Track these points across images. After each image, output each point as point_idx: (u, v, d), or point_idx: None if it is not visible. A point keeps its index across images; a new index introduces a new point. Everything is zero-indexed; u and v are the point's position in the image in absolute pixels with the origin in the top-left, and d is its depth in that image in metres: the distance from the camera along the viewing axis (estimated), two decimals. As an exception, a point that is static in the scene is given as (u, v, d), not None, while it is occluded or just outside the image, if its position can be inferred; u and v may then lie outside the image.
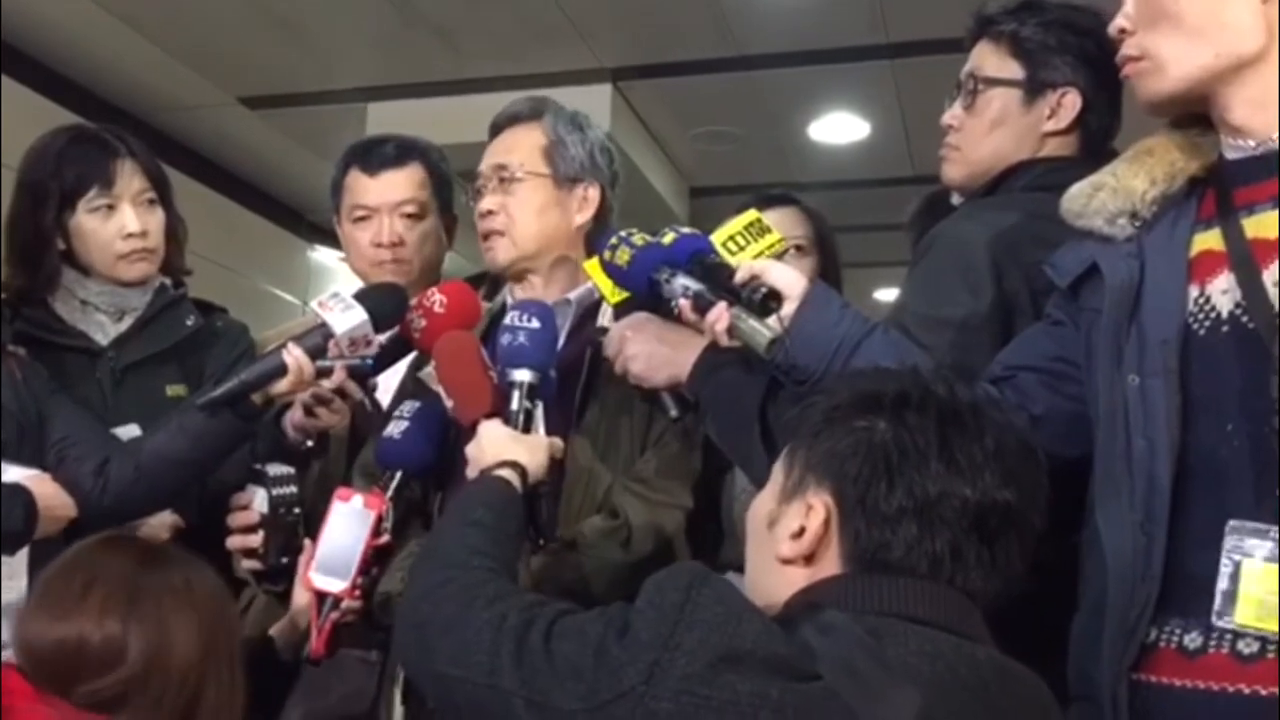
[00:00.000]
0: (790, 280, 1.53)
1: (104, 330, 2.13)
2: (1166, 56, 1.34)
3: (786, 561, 1.18)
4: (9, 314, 2.07)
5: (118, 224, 2.07)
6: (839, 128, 5.60)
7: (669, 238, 1.65)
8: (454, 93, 5.09)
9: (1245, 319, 1.27)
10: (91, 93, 5.16)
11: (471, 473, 1.58)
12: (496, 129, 1.97)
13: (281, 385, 1.81)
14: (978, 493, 1.14)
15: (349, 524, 1.74)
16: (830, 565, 1.17)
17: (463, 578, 1.24)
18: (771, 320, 1.50)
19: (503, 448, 1.56)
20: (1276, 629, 1.20)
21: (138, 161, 2.12)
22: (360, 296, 1.84)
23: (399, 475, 1.79)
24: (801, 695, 1.01)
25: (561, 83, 4.70)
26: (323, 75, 5.15)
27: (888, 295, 7.07)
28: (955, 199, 1.87)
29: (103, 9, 4.54)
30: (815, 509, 1.17)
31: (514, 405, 1.64)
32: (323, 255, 7.00)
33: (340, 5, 4.51)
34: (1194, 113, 1.40)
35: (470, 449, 1.60)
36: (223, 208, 5.85)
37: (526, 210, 1.88)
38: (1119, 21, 1.40)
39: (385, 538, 1.75)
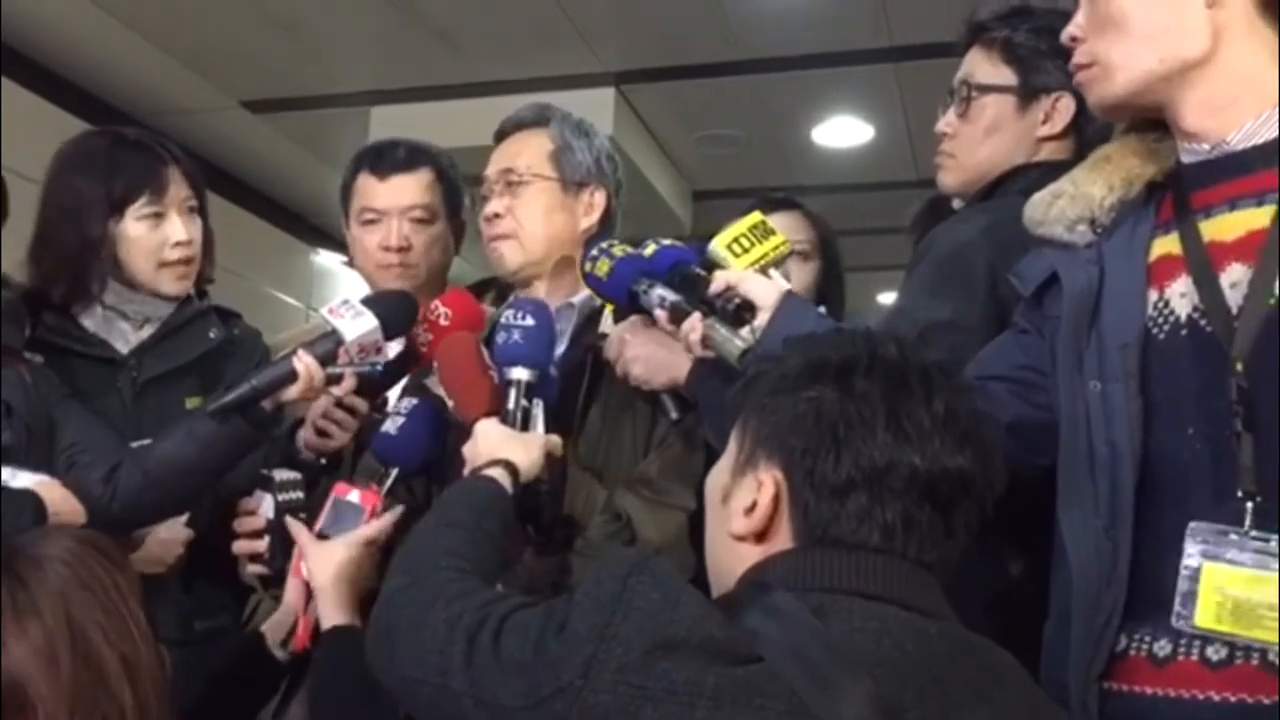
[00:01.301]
0: (764, 291, 1.55)
1: (125, 339, 2.11)
2: (1114, 62, 1.35)
3: (739, 538, 1.16)
4: (29, 319, 2.05)
5: (164, 233, 2.05)
6: (842, 131, 5.60)
7: (650, 249, 1.67)
8: (457, 96, 5.09)
9: (1203, 322, 1.28)
10: (94, 96, 5.18)
11: (467, 473, 1.58)
12: (501, 135, 1.98)
13: (291, 392, 1.79)
14: (927, 461, 1.10)
15: (343, 517, 1.76)
16: (782, 541, 1.14)
17: (428, 579, 1.23)
18: (744, 331, 1.51)
19: (496, 446, 1.57)
20: (1238, 632, 1.19)
21: (181, 168, 2.10)
22: (370, 303, 1.83)
23: (395, 472, 1.80)
24: (739, 680, 0.99)
25: (564, 86, 4.71)
26: (325, 79, 5.16)
27: (891, 299, 7.06)
28: (956, 203, 1.87)
29: (105, 12, 4.55)
30: (765, 484, 1.14)
31: (510, 404, 1.65)
32: (325, 259, 7.01)
33: (343, 9, 4.52)
34: (1152, 118, 1.40)
35: (466, 449, 1.61)
36: (225, 211, 5.85)
37: (533, 213, 1.89)
38: (1070, 30, 1.41)
39: None
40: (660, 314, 1.60)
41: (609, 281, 1.67)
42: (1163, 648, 1.25)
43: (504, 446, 1.57)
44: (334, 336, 1.79)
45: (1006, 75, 1.75)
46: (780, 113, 5.41)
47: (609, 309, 1.84)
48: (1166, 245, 1.34)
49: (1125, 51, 1.34)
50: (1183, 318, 1.30)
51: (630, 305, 1.67)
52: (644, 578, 1.06)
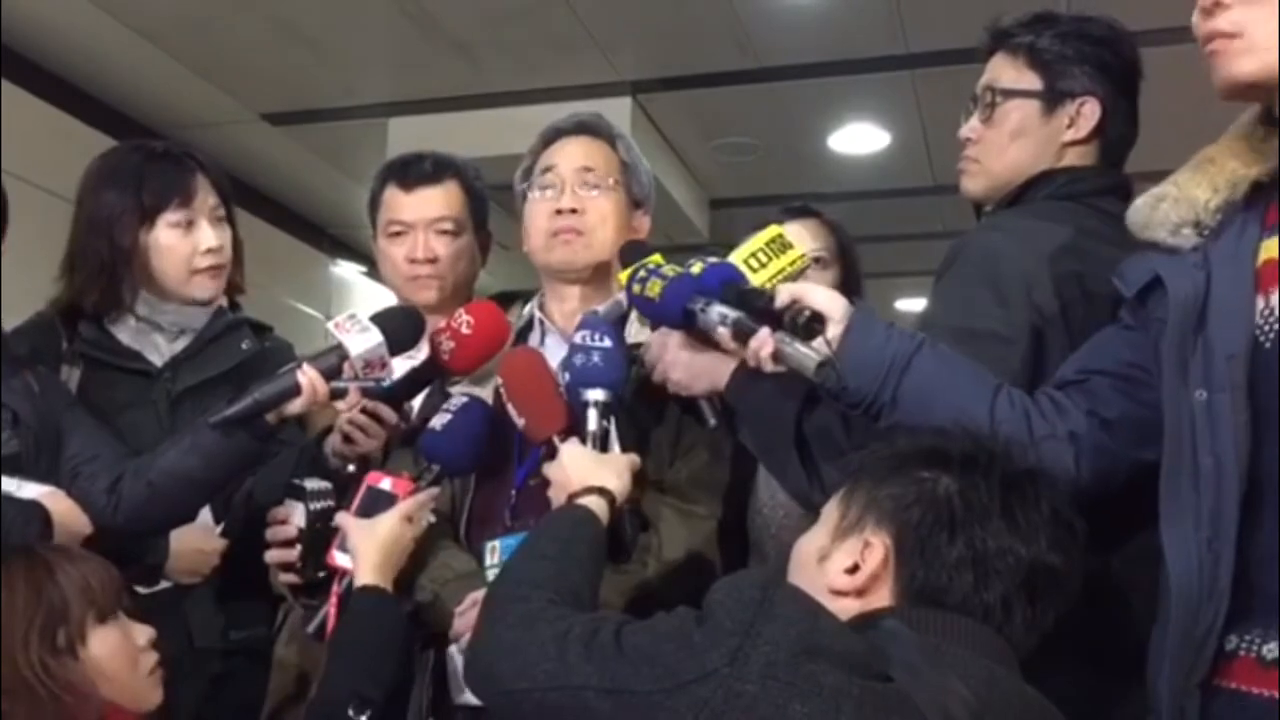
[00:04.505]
0: (833, 303, 1.51)
1: (159, 350, 2.14)
2: (1259, 40, 1.29)
3: (839, 593, 1.23)
4: (65, 332, 2.08)
5: (195, 240, 2.09)
6: (859, 138, 5.59)
7: (697, 267, 1.64)
8: (474, 107, 5.12)
9: None
10: (115, 109, 5.21)
11: (556, 496, 1.58)
12: (562, 132, 1.98)
13: (295, 405, 1.81)
14: (1031, 553, 1.21)
15: (374, 506, 1.77)
16: (882, 600, 1.22)
17: (521, 608, 1.26)
18: (817, 343, 1.48)
19: (589, 473, 1.57)
20: None
21: (209, 177, 2.13)
22: (377, 319, 1.84)
23: (436, 468, 1.81)
24: (879, 694, 1.05)
25: (581, 96, 4.72)
26: (344, 91, 5.18)
27: (909, 305, 7.06)
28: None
29: (126, 26, 4.58)
30: (873, 547, 1.23)
31: (591, 425, 1.65)
32: (345, 270, 7.04)
33: (361, 22, 4.54)
34: (1261, 115, 1.36)
35: (553, 472, 1.61)
36: (245, 223, 5.80)
37: (609, 220, 1.90)
38: None
39: None
40: (723, 331, 1.56)
41: (661, 302, 1.62)
42: (1272, 650, 1.24)
43: (596, 472, 1.57)
44: (339, 351, 1.80)
45: (1031, 80, 1.74)
46: (797, 120, 5.41)
47: (635, 315, 1.85)
48: (1271, 249, 1.30)
49: (1274, 32, 1.27)
50: None
51: (686, 324, 1.63)
52: (781, 591, 1.13)
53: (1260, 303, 1.29)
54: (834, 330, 1.49)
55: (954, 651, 1.13)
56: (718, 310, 1.57)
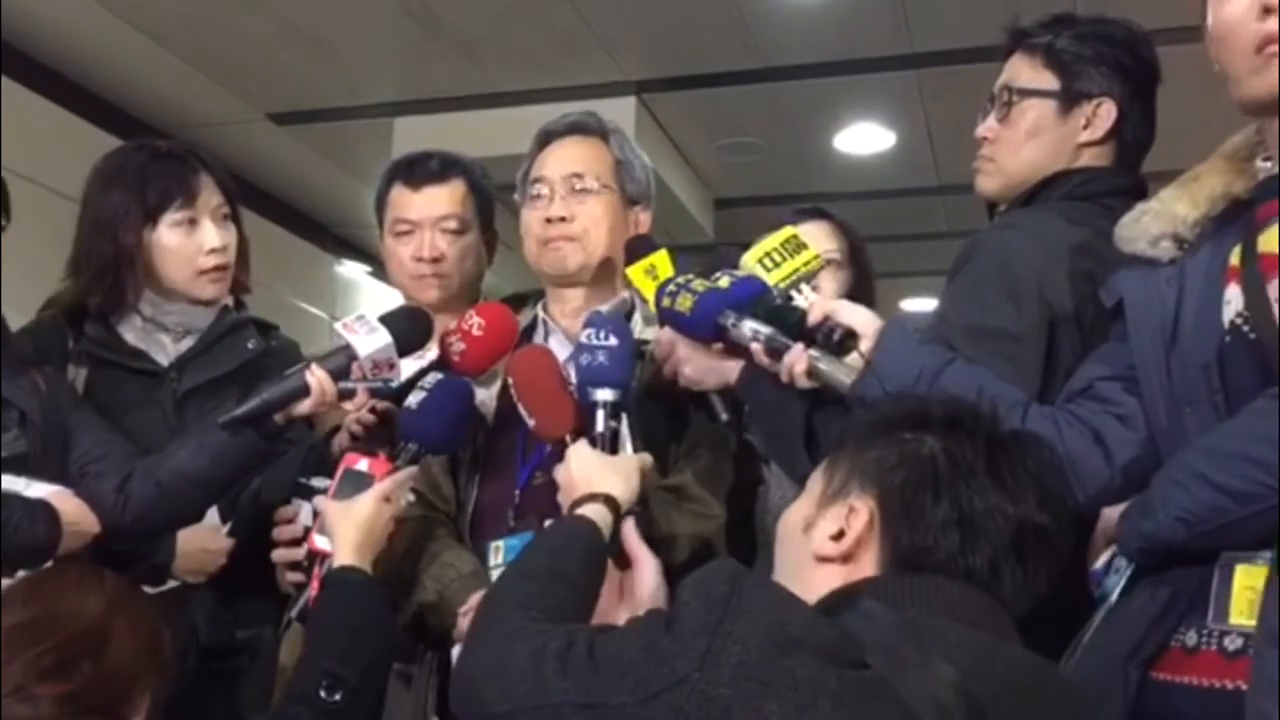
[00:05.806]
0: (865, 318, 1.56)
1: (165, 350, 2.14)
2: None
3: (824, 560, 1.20)
4: (71, 333, 2.08)
5: (199, 240, 2.09)
6: (864, 138, 5.59)
7: (724, 281, 1.65)
8: (479, 107, 5.12)
9: (1246, 328, 1.30)
10: (120, 109, 5.21)
11: (563, 499, 1.58)
12: (553, 135, 1.98)
13: (304, 406, 1.80)
14: (1020, 511, 1.18)
15: (353, 487, 1.77)
16: (867, 567, 1.19)
17: (504, 627, 1.25)
18: (851, 359, 1.51)
19: (594, 477, 1.56)
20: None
21: (213, 176, 2.13)
22: (385, 320, 1.84)
23: (412, 447, 1.80)
24: (856, 683, 1.02)
25: (586, 96, 4.71)
26: (349, 91, 5.18)
27: (914, 305, 7.06)
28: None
29: (132, 26, 4.58)
30: (858, 511, 1.20)
31: (600, 427, 1.64)
32: (349, 269, 7.04)
33: (366, 21, 4.54)
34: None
35: (560, 475, 1.61)
36: (250, 222, 5.80)
37: (601, 223, 1.90)
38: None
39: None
40: (756, 347, 1.58)
41: (692, 316, 1.64)
42: (1192, 638, 1.29)
43: (603, 477, 1.56)
44: (347, 351, 1.80)
45: (1048, 80, 1.74)
46: (802, 120, 5.41)
47: (638, 315, 1.85)
48: (1235, 257, 1.35)
49: None
50: (1225, 323, 1.32)
51: (716, 338, 1.64)
52: (750, 583, 1.10)
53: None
54: (867, 345, 1.52)
55: (932, 624, 1.11)
56: (749, 326, 1.59)
